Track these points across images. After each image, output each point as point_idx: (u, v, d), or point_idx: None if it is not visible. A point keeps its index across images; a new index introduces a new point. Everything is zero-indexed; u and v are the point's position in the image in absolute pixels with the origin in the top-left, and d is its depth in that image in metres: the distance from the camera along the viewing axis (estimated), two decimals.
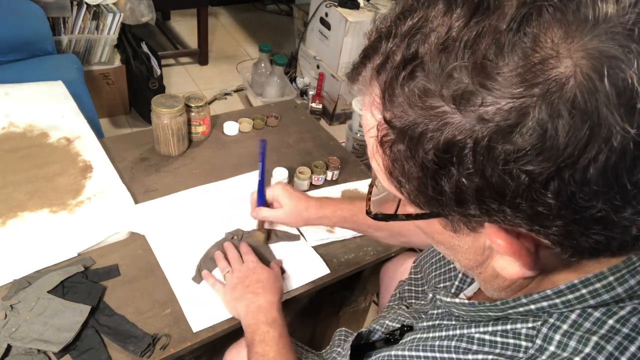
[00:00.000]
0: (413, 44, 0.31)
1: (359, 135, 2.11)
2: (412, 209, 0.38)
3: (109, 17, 1.85)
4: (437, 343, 0.47)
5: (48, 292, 0.78)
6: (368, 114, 0.36)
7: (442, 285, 0.67)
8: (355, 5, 2.28)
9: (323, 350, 0.84)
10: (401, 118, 0.32)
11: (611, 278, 0.36)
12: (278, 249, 0.97)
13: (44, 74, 1.41)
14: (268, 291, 0.79)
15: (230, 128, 1.25)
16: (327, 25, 2.35)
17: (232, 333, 0.83)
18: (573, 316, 0.37)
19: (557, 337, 0.37)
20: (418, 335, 0.52)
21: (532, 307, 0.39)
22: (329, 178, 1.17)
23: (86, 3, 1.78)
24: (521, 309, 0.40)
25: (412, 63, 0.31)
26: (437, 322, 0.54)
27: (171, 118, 1.07)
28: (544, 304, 0.38)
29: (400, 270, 1.00)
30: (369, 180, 1.17)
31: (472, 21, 0.29)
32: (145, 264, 0.89)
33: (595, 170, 0.27)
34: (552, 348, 0.37)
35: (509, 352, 0.40)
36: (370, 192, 0.46)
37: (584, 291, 0.36)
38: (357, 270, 0.98)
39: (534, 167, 0.28)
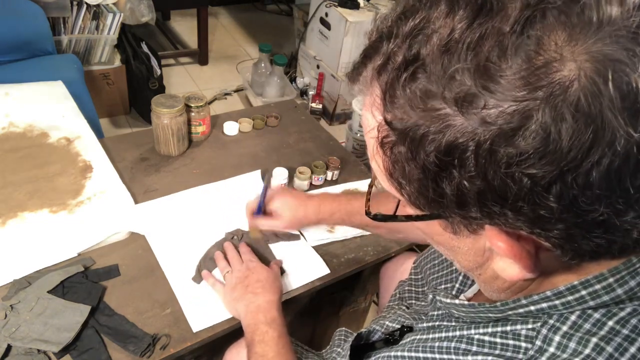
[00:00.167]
0: (415, 45, 0.31)
1: (359, 135, 2.11)
2: (412, 210, 0.38)
3: (109, 17, 1.85)
4: (436, 344, 0.47)
5: (48, 292, 0.78)
6: (369, 115, 0.36)
7: (442, 286, 0.67)
8: (355, 5, 2.28)
9: (323, 350, 0.84)
10: (402, 119, 0.32)
11: (611, 279, 0.35)
12: (278, 249, 0.97)
13: (44, 74, 1.41)
14: (267, 291, 0.79)
15: (230, 128, 1.25)
16: (327, 25, 2.35)
17: (232, 333, 0.83)
18: (573, 317, 0.37)
19: (557, 338, 0.37)
20: (418, 336, 0.52)
21: (532, 308, 0.39)
22: (329, 178, 1.17)
23: (86, 3, 1.78)
24: (521, 310, 0.40)
25: (413, 64, 0.31)
26: (437, 323, 0.54)
27: (171, 118, 1.07)
28: (544, 305, 0.38)
29: (400, 270, 1.00)
30: (369, 180, 1.17)
31: (475, 23, 0.29)
32: (145, 264, 0.89)
33: (598, 174, 0.27)
34: (551, 349, 0.36)
35: (508, 354, 0.40)
36: (369, 193, 0.46)
37: (583, 292, 0.36)
38: (357, 270, 0.98)
39: (537, 170, 0.28)
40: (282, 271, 0.92)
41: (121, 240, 0.92)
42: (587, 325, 0.36)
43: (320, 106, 2.42)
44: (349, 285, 1.12)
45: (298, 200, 0.85)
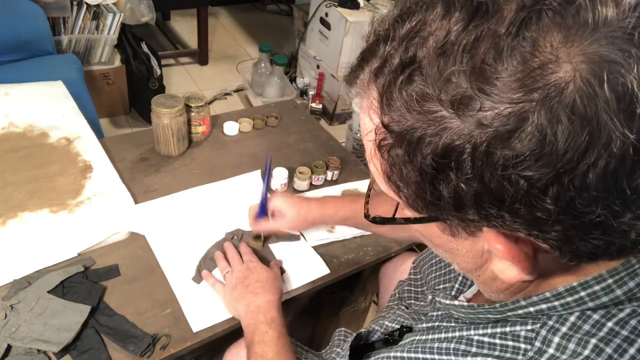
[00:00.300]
0: (411, 47, 0.31)
1: (359, 135, 2.11)
2: (410, 213, 0.38)
3: (109, 17, 1.85)
4: (436, 345, 0.47)
5: (48, 292, 0.78)
6: (366, 118, 0.36)
7: (441, 286, 0.67)
8: (355, 5, 2.28)
9: (323, 350, 0.84)
10: (399, 122, 0.32)
11: (610, 280, 0.35)
12: (278, 249, 0.97)
13: (44, 74, 1.42)
14: (267, 291, 0.79)
15: (230, 128, 1.25)
16: (327, 25, 2.35)
17: (232, 333, 0.83)
18: (572, 319, 0.37)
19: (556, 339, 0.37)
20: (417, 337, 0.52)
21: (531, 309, 0.39)
22: (329, 178, 1.17)
23: (86, 3, 1.78)
24: (520, 312, 0.40)
25: (410, 67, 0.31)
26: (436, 323, 0.54)
27: (171, 118, 1.07)
28: (543, 306, 0.38)
29: (400, 270, 1.00)
30: (368, 181, 1.17)
31: (470, 25, 0.29)
32: (145, 264, 0.89)
33: (594, 175, 0.27)
34: (551, 350, 0.36)
35: (507, 355, 0.40)
36: (368, 195, 0.46)
37: (582, 294, 0.36)
38: (357, 270, 0.98)
39: (533, 172, 0.28)
40: (282, 271, 0.92)
41: (121, 240, 0.92)
42: (586, 327, 0.36)
43: (320, 106, 2.42)
44: (349, 285, 1.12)
45: (300, 200, 0.86)
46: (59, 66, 1.60)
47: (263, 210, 0.89)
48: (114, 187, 1.01)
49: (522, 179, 0.28)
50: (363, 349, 0.70)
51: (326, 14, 2.34)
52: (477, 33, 0.28)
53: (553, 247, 0.32)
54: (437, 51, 0.30)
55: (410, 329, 0.63)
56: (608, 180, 0.27)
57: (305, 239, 1.00)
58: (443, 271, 0.70)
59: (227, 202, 1.05)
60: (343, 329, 0.84)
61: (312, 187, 1.15)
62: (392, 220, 0.41)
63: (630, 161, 0.27)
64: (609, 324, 0.35)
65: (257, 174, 1.14)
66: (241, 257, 0.88)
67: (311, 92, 2.48)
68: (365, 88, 0.35)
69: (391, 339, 0.67)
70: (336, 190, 1.14)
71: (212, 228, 0.98)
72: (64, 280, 0.81)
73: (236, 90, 2.58)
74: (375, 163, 0.36)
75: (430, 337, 0.50)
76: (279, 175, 1.09)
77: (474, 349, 0.43)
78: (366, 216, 0.44)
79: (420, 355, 0.48)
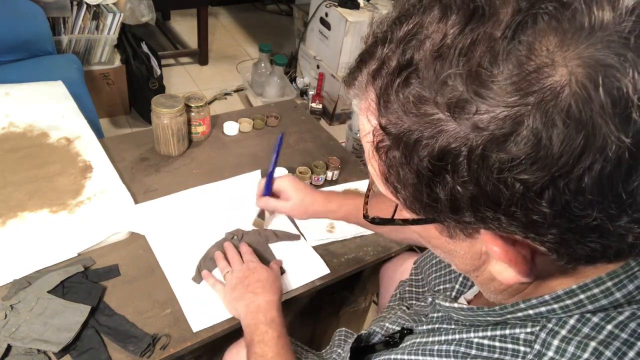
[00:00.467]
0: (408, 50, 0.31)
1: (358, 135, 2.10)
2: (408, 214, 0.38)
3: (109, 17, 1.85)
4: (436, 347, 0.47)
5: (48, 292, 0.78)
6: (364, 119, 0.36)
7: (442, 287, 0.67)
8: (355, 5, 2.28)
9: (323, 350, 0.84)
10: (396, 124, 0.32)
11: (609, 283, 0.35)
12: (278, 249, 0.97)
13: (44, 74, 1.42)
14: (268, 291, 0.79)
15: (230, 128, 1.25)
16: (327, 25, 2.35)
17: (232, 333, 0.83)
18: (571, 321, 0.37)
19: (556, 342, 0.37)
20: (417, 339, 0.52)
21: (531, 312, 0.39)
22: (329, 178, 1.17)
23: (86, 3, 1.78)
24: (520, 314, 0.40)
25: (407, 69, 0.31)
26: (436, 325, 0.54)
27: (171, 118, 1.07)
28: (542, 309, 0.38)
29: (400, 270, 1.00)
30: (368, 181, 1.17)
31: (467, 28, 0.29)
32: (145, 264, 0.89)
33: (590, 179, 0.27)
34: (550, 353, 0.36)
35: (507, 357, 0.40)
36: (367, 196, 0.46)
37: (582, 296, 0.36)
38: (357, 270, 0.98)
39: (529, 176, 0.28)
40: (282, 271, 0.92)
41: (121, 240, 0.92)
42: (585, 329, 0.36)
43: (320, 106, 2.42)
44: (349, 285, 1.12)
45: (307, 189, 0.87)
46: (59, 66, 1.60)
47: (269, 188, 0.89)
48: (114, 187, 1.01)
49: (518, 182, 0.28)
50: (364, 351, 0.70)
51: (326, 14, 2.34)
52: (473, 36, 0.28)
53: (550, 250, 0.32)
54: (433, 54, 0.30)
55: (410, 331, 0.63)
56: (604, 184, 0.27)
57: (305, 238, 1.00)
58: (444, 272, 0.70)
59: (227, 202, 1.05)
60: (344, 328, 0.84)
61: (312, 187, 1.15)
62: (390, 221, 0.41)
63: (626, 165, 0.27)
64: (609, 327, 0.35)
65: (257, 174, 1.14)
66: (241, 257, 0.88)
67: (311, 92, 2.48)
68: (363, 90, 0.35)
69: (392, 341, 0.67)
70: (336, 190, 1.14)
71: (212, 228, 0.98)
72: (64, 280, 0.81)
73: (236, 90, 2.58)
74: (373, 164, 0.36)
75: (430, 339, 0.50)
76: (278, 174, 1.09)
77: (473, 352, 0.43)
78: (365, 216, 0.44)
79: (420, 358, 0.48)
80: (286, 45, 3.02)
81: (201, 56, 2.73)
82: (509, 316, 0.41)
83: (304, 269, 0.94)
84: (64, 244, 0.87)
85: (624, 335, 0.35)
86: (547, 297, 0.38)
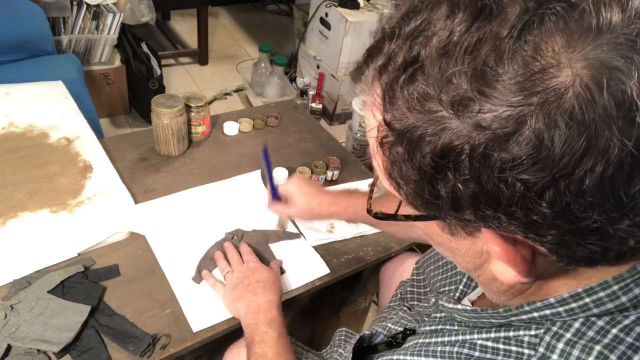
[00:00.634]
0: (415, 46, 0.31)
1: (359, 135, 2.11)
2: (410, 210, 0.38)
3: (109, 17, 1.85)
4: (439, 348, 0.47)
5: (48, 292, 0.78)
6: (369, 115, 0.36)
7: (446, 289, 0.67)
8: (355, 5, 2.28)
9: (323, 350, 0.84)
10: (400, 120, 0.32)
11: (615, 287, 0.35)
12: (278, 249, 0.97)
13: (44, 74, 1.42)
14: (268, 291, 0.79)
15: (230, 128, 1.25)
16: (327, 25, 2.35)
17: (232, 333, 0.83)
18: (576, 325, 0.37)
19: (560, 345, 0.37)
20: (420, 340, 0.52)
21: (535, 314, 0.39)
22: (329, 178, 1.17)
23: (86, 3, 1.78)
24: (524, 317, 0.40)
25: (412, 66, 0.31)
26: (439, 326, 0.54)
27: (171, 118, 1.07)
28: (547, 312, 0.38)
29: (400, 270, 1.00)
30: (369, 180, 1.18)
31: (473, 26, 0.29)
32: (145, 264, 0.89)
33: (591, 181, 0.27)
34: (554, 357, 0.36)
35: None
36: (372, 191, 0.46)
37: (587, 300, 0.36)
38: (357, 270, 0.98)
39: (529, 176, 0.28)
40: (282, 271, 0.92)
41: (121, 240, 0.92)
42: (590, 333, 0.36)
43: (320, 106, 2.42)
44: (349, 285, 1.12)
45: (313, 190, 0.86)
46: (59, 66, 1.60)
47: (274, 194, 0.90)
48: (114, 187, 1.01)
49: (519, 182, 0.28)
50: (366, 351, 0.70)
51: (326, 14, 2.34)
52: (480, 35, 0.28)
53: (550, 251, 0.32)
54: (439, 51, 0.30)
55: (413, 332, 0.63)
56: (605, 187, 0.27)
57: (305, 238, 1.00)
58: (448, 274, 0.70)
59: (227, 202, 1.05)
60: (344, 329, 0.84)
61: None
62: (393, 217, 0.41)
63: (628, 169, 0.26)
64: (614, 331, 0.35)
65: (257, 174, 1.14)
66: (241, 257, 0.88)
67: (311, 92, 2.48)
68: (370, 85, 0.35)
69: (394, 342, 0.67)
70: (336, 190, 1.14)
71: (212, 228, 0.98)
72: (64, 280, 0.81)
73: (236, 90, 2.58)
74: (377, 159, 0.37)
75: (433, 340, 0.50)
76: (279, 175, 1.09)
77: (477, 353, 0.43)
78: (369, 211, 0.44)
79: (423, 359, 0.48)
80: (286, 45, 3.02)
81: (201, 56, 2.73)
82: (513, 318, 0.41)
83: (304, 269, 0.94)
84: (64, 244, 0.87)
85: (629, 339, 0.35)
86: (552, 299, 0.38)
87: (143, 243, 0.92)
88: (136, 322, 0.78)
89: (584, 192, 0.27)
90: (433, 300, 0.57)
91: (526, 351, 0.39)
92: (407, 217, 0.38)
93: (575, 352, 0.35)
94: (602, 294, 0.36)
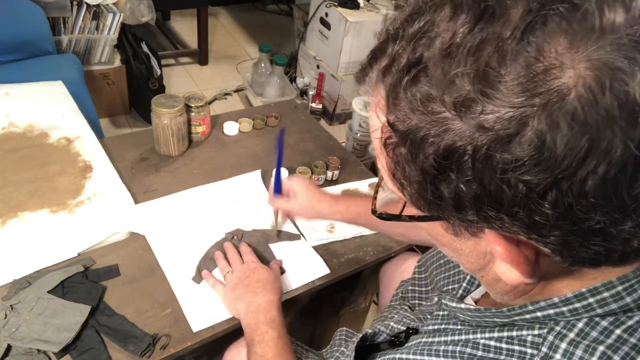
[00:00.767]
0: (419, 47, 0.31)
1: (359, 135, 2.11)
2: (414, 211, 0.38)
3: (109, 17, 1.85)
4: (442, 348, 0.47)
5: (48, 292, 0.78)
6: (374, 115, 0.36)
7: (450, 287, 0.67)
8: (355, 5, 2.28)
9: (323, 350, 0.84)
10: (404, 121, 0.32)
11: (620, 287, 0.35)
12: (278, 249, 0.97)
13: (44, 74, 1.42)
14: (268, 291, 0.79)
15: (230, 128, 1.25)
16: (327, 25, 2.35)
17: (232, 333, 0.83)
18: (580, 325, 0.37)
19: (564, 345, 0.36)
20: (423, 339, 0.52)
21: (539, 314, 0.39)
22: (329, 178, 1.17)
23: (86, 3, 1.78)
24: (527, 316, 0.40)
25: (416, 67, 0.31)
26: (442, 325, 0.54)
27: (171, 118, 1.07)
28: (551, 311, 0.38)
29: (400, 270, 1.00)
30: (369, 180, 1.18)
31: (476, 28, 0.29)
32: (145, 264, 0.89)
33: (593, 183, 0.27)
34: (557, 356, 0.36)
35: (514, 359, 0.40)
36: (376, 192, 0.46)
37: (591, 300, 0.36)
38: (357, 270, 0.98)
39: (532, 177, 0.28)
40: (282, 271, 0.92)
41: (121, 240, 0.92)
42: (594, 333, 0.36)
43: (320, 106, 2.42)
44: (349, 285, 1.12)
45: (315, 190, 0.87)
46: (59, 66, 1.60)
47: (278, 187, 0.90)
48: (114, 187, 1.01)
49: (521, 183, 0.28)
50: (368, 350, 0.70)
51: (326, 14, 2.34)
52: (483, 36, 0.28)
53: (553, 252, 0.32)
54: (442, 53, 0.30)
55: (416, 331, 0.63)
56: (607, 188, 0.27)
57: (305, 238, 1.00)
58: (451, 272, 0.70)
59: (227, 202, 1.05)
60: (344, 328, 0.84)
61: None
62: (398, 217, 0.41)
63: (631, 170, 0.26)
64: (618, 332, 0.35)
65: (257, 174, 1.14)
66: (241, 257, 0.88)
67: (311, 92, 2.48)
68: (374, 86, 0.35)
69: (397, 341, 0.67)
70: (336, 190, 1.14)
71: (212, 228, 0.98)
72: (64, 280, 0.81)
73: (236, 90, 2.58)
74: (381, 160, 0.37)
75: (436, 339, 0.50)
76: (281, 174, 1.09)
77: (480, 353, 0.43)
78: (373, 212, 0.44)
79: (426, 358, 0.48)
80: (286, 45, 3.02)
81: (201, 56, 2.73)
82: (516, 318, 0.41)
83: (304, 269, 0.94)
84: (64, 244, 0.87)
85: (632, 340, 0.35)
86: (555, 299, 0.38)
87: (143, 243, 0.92)
88: (136, 322, 0.78)
89: (586, 193, 0.27)
90: (436, 299, 0.57)
91: (529, 351, 0.39)
92: (411, 218, 0.39)
93: (579, 352, 0.35)
94: (606, 294, 0.36)
